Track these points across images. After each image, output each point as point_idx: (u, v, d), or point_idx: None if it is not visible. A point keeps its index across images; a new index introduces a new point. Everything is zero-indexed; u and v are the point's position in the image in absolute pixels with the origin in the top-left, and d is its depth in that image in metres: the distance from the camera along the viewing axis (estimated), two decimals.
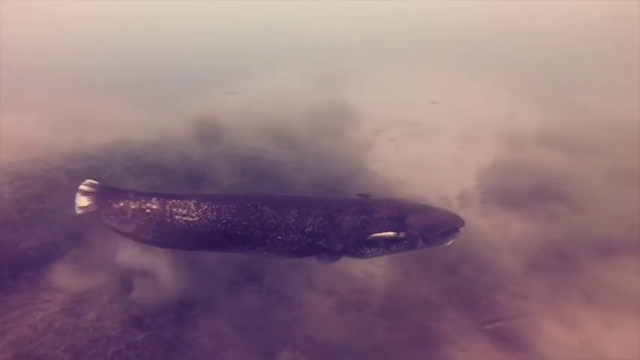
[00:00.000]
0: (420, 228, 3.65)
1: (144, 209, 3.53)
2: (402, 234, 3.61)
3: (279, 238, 3.57)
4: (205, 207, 3.54)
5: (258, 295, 4.87)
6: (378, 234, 3.58)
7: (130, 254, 4.46)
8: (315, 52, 15.92)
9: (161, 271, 4.48)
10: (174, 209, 3.53)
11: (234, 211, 3.53)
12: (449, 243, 3.83)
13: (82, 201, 3.54)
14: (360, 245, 3.67)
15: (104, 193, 3.60)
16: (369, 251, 3.71)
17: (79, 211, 3.54)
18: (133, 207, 3.54)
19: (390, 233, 3.60)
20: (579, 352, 4.00)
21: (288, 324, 4.42)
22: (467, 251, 5.41)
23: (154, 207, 3.54)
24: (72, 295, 4.22)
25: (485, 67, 13.59)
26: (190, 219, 3.51)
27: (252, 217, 3.52)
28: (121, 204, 3.56)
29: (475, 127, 9.22)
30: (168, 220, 3.52)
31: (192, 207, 3.53)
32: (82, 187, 3.58)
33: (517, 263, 5.31)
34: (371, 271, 5.35)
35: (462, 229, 3.83)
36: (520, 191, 6.82)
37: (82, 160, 5.79)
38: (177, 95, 9.57)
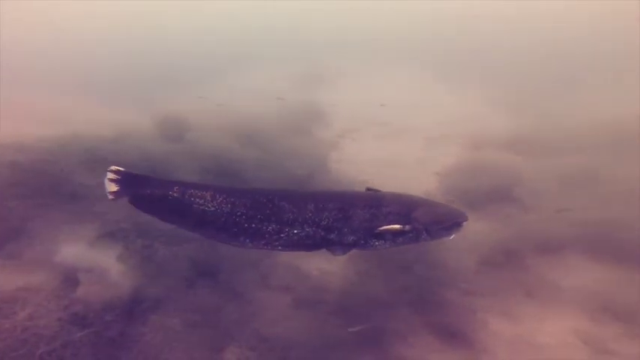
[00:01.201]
0: (425, 222, 3.79)
1: (167, 195, 3.69)
2: (407, 227, 3.74)
3: (295, 232, 3.67)
4: (224, 198, 3.67)
5: (211, 291, 4.88)
6: (386, 227, 3.70)
7: (76, 250, 4.37)
8: (291, 51, 15.97)
9: (111, 267, 4.42)
10: (193, 198, 3.67)
11: (248, 204, 3.67)
12: (452, 237, 3.95)
13: (111, 186, 3.70)
14: (369, 238, 3.79)
15: (129, 179, 3.75)
16: (377, 243, 3.83)
17: (110, 197, 3.71)
18: (158, 193, 3.72)
19: (397, 226, 3.72)
20: (516, 342, 4.18)
21: (239, 320, 4.44)
22: (421, 250, 5.54)
23: (176, 195, 3.70)
24: (2, 293, 4.07)
25: (456, 70, 13.88)
26: (207, 208, 3.65)
27: (268, 211, 3.64)
28: (147, 190, 3.74)
29: (440, 129, 9.44)
30: (188, 207, 3.66)
31: (209, 197, 3.67)
32: (108, 173, 3.72)
33: (469, 262, 5.47)
34: (327, 269, 5.42)
35: (464, 223, 3.99)
36: (478, 192, 7.03)
37: (30, 152, 5.64)
38: (144, 93, 9.46)
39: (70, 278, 4.28)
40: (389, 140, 9.33)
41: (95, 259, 4.42)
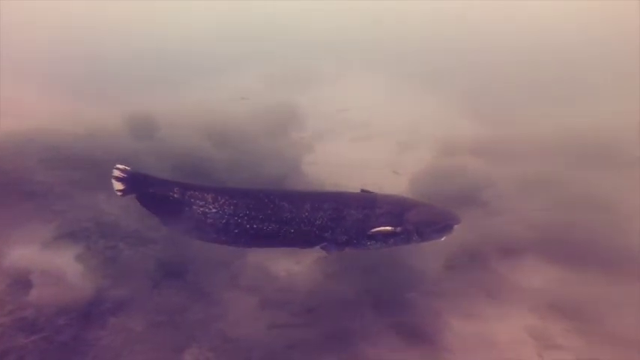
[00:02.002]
0: (416, 223, 3.93)
1: (169, 196, 3.77)
2: (399, 229, 3.88)
3: (292, 231, 3.80)
4: (224, 200, 3.75)
5: (178, 292, 4.83)
6: (378, 229, 3.83)
7: (31, 251, 4.21)
8: (271, 53, 15.93)
9: (69, 268, 4.29)
10: (193, 200, 3.75)
11: (251, 205, 3.75)
12: (443, 239, 4.06)
13: (117, 185, 3.81)
14: (362, 238, 3.91)
15: (134, 178, 3.84)
16: (369, 243, 3.97)
17: (118, 194, 3.84)
18: (160, 193, 3.80)
19: (388, 228, 3.85)
20: (474, 341, 4.32)
21: (204, 321, 4.41)
22: (388, 253, 5.63)
23: (176, 196, 3.79)
24: None
25: (430, 75, 14.11)
26: (208, 210, 3.74)
27: (269, 211, 3.73)
28: (150, 190, 3.81)
29: (413, 134, 9.61)
30: (189, 210, 3.75)
31: (210, 199, 3.74)
32: (115, 172, 3.81)
33: (434, 263, 5.59)
34: (295, 270, 5.45)
35: (456, 226, 4.04)
36: (446, 196, 7.17)
37: None
38: (114, 89, 9.27)
39: (21, 281, 4.08)
40: (362, 143, 9.44)
41: (51, 261, 4.26)
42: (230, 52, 14.77)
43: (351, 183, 7.53)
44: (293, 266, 5.49)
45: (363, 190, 4.28)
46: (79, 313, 4.05)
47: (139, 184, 3.85)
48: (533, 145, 8.90)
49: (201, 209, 3.70)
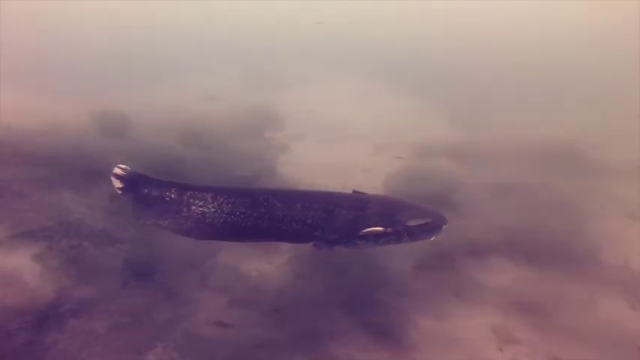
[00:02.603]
0: (407, 224, 3.99)
1: (165, 197, 3.80)
2: (389, 229, 3.94)
3: (284, 228, 3.91)
4: (221, 199, 3.83)
5: (145, 292, 4.74)
6: (368, 229, 3.89)
7: None
8: (247, 54, 15.87)
9: (25, 269, 4.11)
10: (192, 200, 3.81)
11: (247, 204, 3.86)
12: (432, 239, 4.17)
13: (117, 183, 3.78)
14: (353, 237, 3.97)
15: (132, 179, 3.81)
16: (359, 243, 4.02)
17: (119, 192, 3.82)
18: (155, 194, 3.79)
19: (379, 229, 3.90)
20: (441, 339, 4.43)
21: (170, 321, 4.34)
22: (360, 253, 5.68)
23: (174, 196, 3.81)
24: None
25: (407, 79, 14.30)
26: (207, 210, 3.81)
27: (263, 209, 3.87)
28: (146, 190, 3.79)
29: (387, 137, 9.72)
30: (186, 210, 3.80)
31: (209, 199, 3.80)
32: (115, 170, 3.79)
33: (404, 264, 5.66)
34: (266, 270, 5.43)
35: (444, 226, 4.17)
36: (419, 198, 7.28)
37: None
38: (83, 87, 9.02)
39: None
40: (338, 145, 9.49)
41: (5, 261, 4.09)
42: (206, 52, 14.65)
43: (326, 183, 7.59)
44: (264, 266, 5.46)
45: (354, 191, 4.38)
46: (36, 315, 3.89)
47: (138, 184, 3.86)
48: (504, 150, 9.13)
49: (200, 209, 3.80)
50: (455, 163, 8.68)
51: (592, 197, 7.13)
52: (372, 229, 3.91)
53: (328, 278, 5.25)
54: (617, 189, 7.36)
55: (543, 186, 7.44)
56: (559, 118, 10.89)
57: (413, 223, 4.00)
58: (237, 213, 3.83)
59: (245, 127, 8.86)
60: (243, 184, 6.65)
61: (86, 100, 8.13)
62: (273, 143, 8.71)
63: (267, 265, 5.51)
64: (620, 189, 7.35)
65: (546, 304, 4.79)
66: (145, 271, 4.99)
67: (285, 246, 5.65)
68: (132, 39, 15.14)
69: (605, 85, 13.74)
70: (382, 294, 5.14)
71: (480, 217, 6.25)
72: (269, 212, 3.86)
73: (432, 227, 4.14)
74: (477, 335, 4.40)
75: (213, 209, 3.81)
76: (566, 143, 9.02)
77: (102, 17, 17.51)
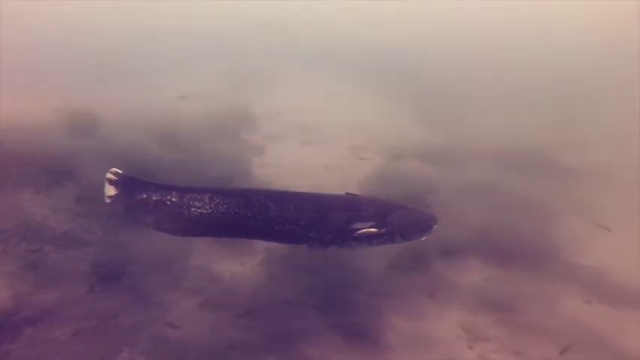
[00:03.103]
0: (399, 225, 4.11)
1: (164, 201, 3.83)
2: (382, 230, 4.04)
3: (277, 228, 4.03)
4: (218, 200, 3.93)
5: (113, 296, 4.61)
6: (362, 230, 3.99)
7: None
8: (227, 53, 15.68)
9: None
10: (191, 202, 3.89)
11: (242, 204, 3.96)
12: (423, 239, 4.32)
13: (109, 190, 3.73)
14: (346, 238, 4.06)
15: (127, 183, 3.79)
16: (353, 244, 4.12)
17: (107, 200, 3.75)
18: (154, 198, 3.81)
19: (372, 229, 4.00)
20: (414, 338, 4.50)
21: (138, 324, 4.23)
22: (333, 254, 5.67)
23: (174, 199, 3.85)
24: None
25: (384, 81, 14.39)
26: (204, 211, 3.91)
27: (256, 210, 3.96)
28: (144, 195, 3.79)
29: (362, 138, 9.77)
30: (185, 211, 3.88)
31: (207, 200, 3.90)
32: (108, 175, 3.77)
33: (378, 265, 5.69)
34: (239, 271, 5.37)
35: (435, 226, 4.33)
36: (394, 199, 7.36)
37: None
38: (49, 84, 8.68)
39: None
40: (314, 147, 9.47)
41: None
42: (181, 51, 14.43)
43: (301, 184, 7.56)
44: (237, 267, 5.40)
45: (347, 194, 4.48)
46: None
47: (130, 188, 3.86)
48: (475, 151, 9.32)
49: (199, 210, 3.89)
50: (429, 165, 8.81)
51: (557, 198, 7.37)
52: (366, 230, 4.00)
53: (301, 279, 5.24)
54: (581, 190, 7.64)
55: (512, 187, 7.64)
56: (533, 119, 11.13)
57: (405, 223, 4.11)
58: (232, 212, 3.94)
59: (220, 128, 8.75)
60: (218, 185, 6.57)
61: (52, 97, 7.83)
62: (249, 144, 8.63)
63: (240, 266, 5.45)
64: (583, 190, 7.63)
65: (513, 302, 4.94)
66: (112, 274, 4.86)
67: (259, 247, 5.62)
68: (105, 37, 14.76)
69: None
70: (356, 294, 5.16)
71: (452, 217, 6.34)
72: (262, 213, 3.95)
73: (423, 227, 4.27)
74: (449, 334, 4.49)
75: (210, 210, 3.90)
76: (534, 145, 9.30)
77: (72, 13, 17.01)
